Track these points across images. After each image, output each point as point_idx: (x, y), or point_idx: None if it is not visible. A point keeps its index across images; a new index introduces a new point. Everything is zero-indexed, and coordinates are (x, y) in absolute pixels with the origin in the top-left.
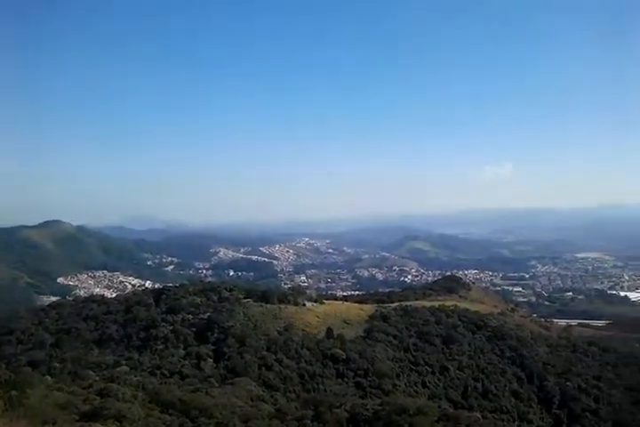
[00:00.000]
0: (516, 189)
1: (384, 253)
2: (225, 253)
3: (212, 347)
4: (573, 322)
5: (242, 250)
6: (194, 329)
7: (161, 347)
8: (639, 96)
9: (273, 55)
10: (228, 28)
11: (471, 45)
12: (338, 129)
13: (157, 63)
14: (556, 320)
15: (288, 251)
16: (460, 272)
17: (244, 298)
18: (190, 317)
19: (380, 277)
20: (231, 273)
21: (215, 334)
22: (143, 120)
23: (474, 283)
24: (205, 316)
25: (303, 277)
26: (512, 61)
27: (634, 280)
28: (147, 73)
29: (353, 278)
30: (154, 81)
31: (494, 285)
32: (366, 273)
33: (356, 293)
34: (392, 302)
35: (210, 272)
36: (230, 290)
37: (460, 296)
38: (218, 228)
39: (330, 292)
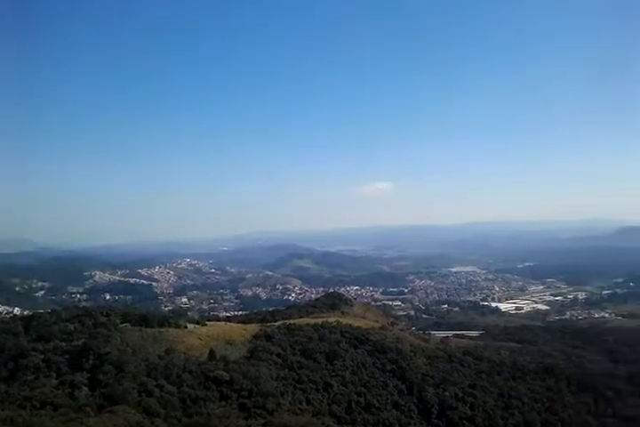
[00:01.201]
0: (398, 206)
1: (267, 272)
2: (101, 277)
3: (88, 375)
4: (450, 333)
5: (119, 272)
6: (67, 357)
7: (31, 377)
8: (511, 124)
9: None
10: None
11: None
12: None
13: None
14: (433, 332)
15: (168, 272)
16: (343, 289)
17: (122, 323)
18: (63, 344)
19: (263, 296)
20: (108, 297)
21: (90, 361)
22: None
23: (356, 299)
24: (80, 342)
25: (185, 299)
26: (395, 80)
27: (504, 292)
28: None
29: (236, 298)
30: None
31: (375, 300)
32: (250, 292)
33: (240, 313)
34: (276, 321)
35: (85, 297)
36: (107, 315)
37: (343, 312)
38: (94, 250)
39: (213, 313)
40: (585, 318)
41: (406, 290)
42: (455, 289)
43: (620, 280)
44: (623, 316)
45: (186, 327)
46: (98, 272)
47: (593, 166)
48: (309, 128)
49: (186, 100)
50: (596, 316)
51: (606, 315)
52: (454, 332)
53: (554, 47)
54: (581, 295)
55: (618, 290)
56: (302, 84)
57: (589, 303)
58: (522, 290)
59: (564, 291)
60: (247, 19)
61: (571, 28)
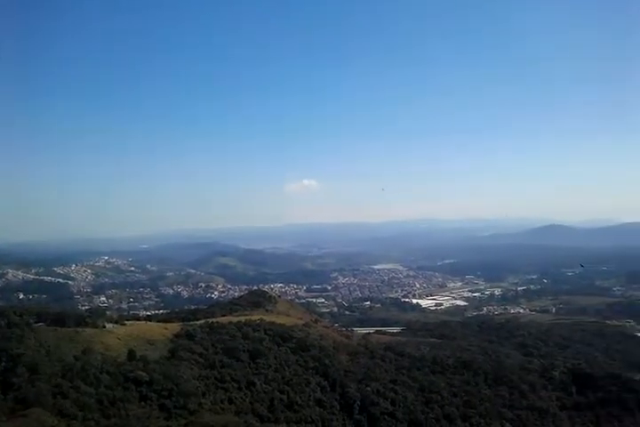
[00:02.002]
0: (324, 203)
1: (190, 270)
2: (14, 275)
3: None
4: (372, 330)
5: (33, 271)
6: None
7: None
8: (436, 123)
9: None
10: None
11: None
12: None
13: None
14: (356, 329)
15: (85, 270)
16: (267, 286)
17: (36, 322)
18: None
19: (185, 294)
20: (21, 296)
21: (3, 363)
22: None
23: (279, 296)
24: None
25: (103, 298)
26: (321, 77)
27: (425, 288)
28: None
29: (157, 297)
30: None
31: (299, 297)
32: (171, 291)
33: (161, 311)
34: (198, 320)
35: None
36: (20, 314)
37: (267, 310)
38: (6, 247)
39: (132, 312)
40: (501, 313)
41: (330, 287)
42: (378, 286)
43: (534, 277)
44: (536, 311)
45: (104, 327)
46: (10, 271)
47: (508, 166)
48: (235, 125)
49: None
50: (512, 311)
51: (521, 310)
52: (376, 328)
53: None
54: (498, 291)
55: (532, 286)
56: (225, 79)
57: (505, 299)
58: (442, 286)
59: (482, 287)
60: None
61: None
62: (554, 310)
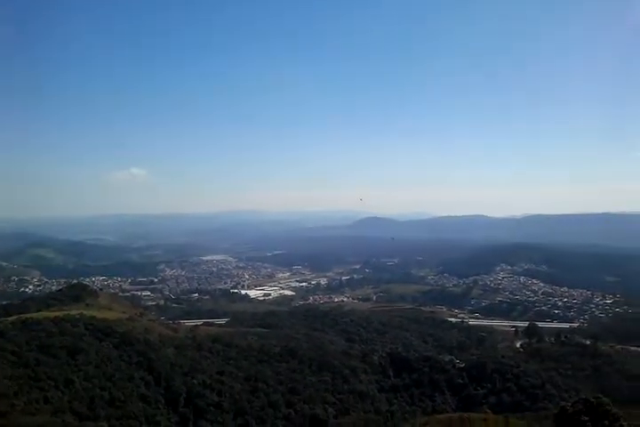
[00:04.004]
0: (152, 193)
1: (1, 263)
2: None
3: None
4: (200, 322)
5: None
6: None
7: None
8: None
9: None
10: None
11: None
12: None
13: None
14: (183, 321)
15: None
16: (88, 279)
17: None
18: None
19: None
20: None
21: None
22: None
23: (102, 290)
24: None
25: None
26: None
27: (254, 279)
28: None
29: None
30: None
31: (123, 290)
32: None
33: None
34: (9, 316)
35: None
36: None
37: (87, 304)
38: None
39: None
40: (326, 302)
41: (156, 280)
42: (206, 278)
43: (357, 267)
44: (359, 299)
45: None
46: None
47: (328, 160)
48: (59, 111)
49: None
50: (336, 300)
51: (345, 299)
52: (204, 320)
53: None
54: (324, 281)
55: (355, 275)
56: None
57: (330, 288)
58: (270, 277)
59: (309, 277)
60: None
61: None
62: (375, 297)
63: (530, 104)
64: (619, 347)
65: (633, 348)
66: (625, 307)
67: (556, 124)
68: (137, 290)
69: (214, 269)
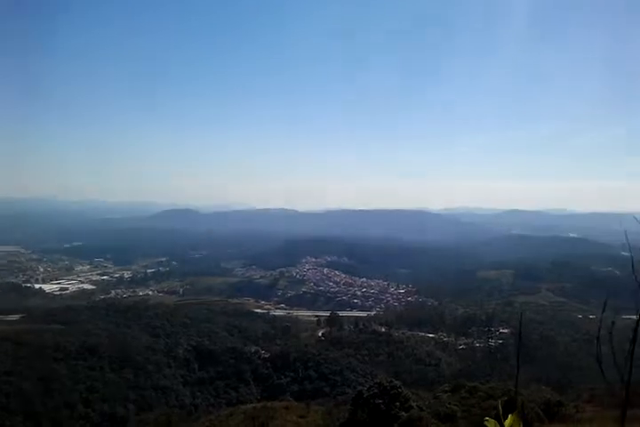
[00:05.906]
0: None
1: None
2: None
3: None
4: None
5: None
6: None
7: None
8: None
9: None
10: None
11: None
12: None
13: None
14: None
15: None
16: None
17: None
18: None
19: None
20: None
21: None
22: None
23: None
24: None
25: None
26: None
27: (49, 272)
28: None
29: None
30: None
31: None
32: None
33: None
34: None
35: None
36: None
37: None
38: None
39: None
40: (130, 296)
41: None
42: None
43: (163, 259)
44: (165, 292)
45: None
46: None
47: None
48: None
49: None
50: (141, 293)
51: (150, 292)
52: None
53: None
54: (127, 274)
55: (161, 268)
56: None
57: (134, 282)
58: (69, 270)
59: (111, 270)
60: None
61: None
62: (181, 290)
63: None
64: (409, 333)
65: (421, 333)
66: (415, 296)
67: None
68: None
69: (4, 261)
